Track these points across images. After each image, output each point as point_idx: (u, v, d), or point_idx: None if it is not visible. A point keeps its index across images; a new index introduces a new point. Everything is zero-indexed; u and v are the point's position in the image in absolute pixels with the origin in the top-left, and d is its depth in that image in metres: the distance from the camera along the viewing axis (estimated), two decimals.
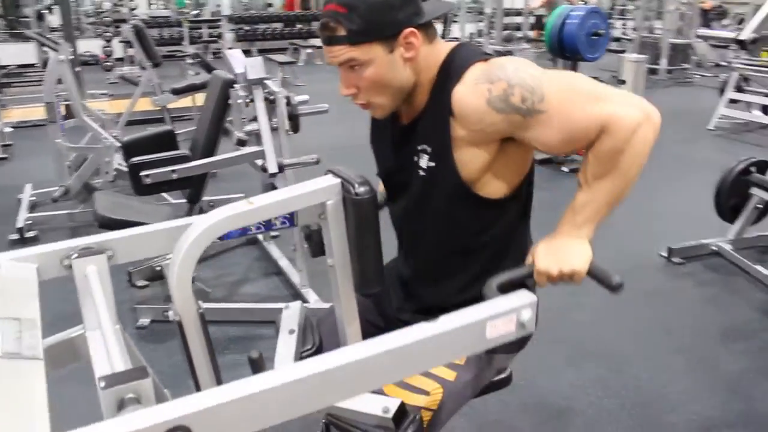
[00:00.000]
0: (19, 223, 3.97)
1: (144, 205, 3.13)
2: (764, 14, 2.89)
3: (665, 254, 3.58)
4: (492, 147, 1.24)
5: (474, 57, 1.24)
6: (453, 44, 1.31)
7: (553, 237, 1.26)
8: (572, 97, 1.17)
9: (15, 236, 3.87)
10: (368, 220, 1.22)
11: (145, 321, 2.94)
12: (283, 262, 3.42)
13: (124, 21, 10.09)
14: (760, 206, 3.51)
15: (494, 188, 1.29)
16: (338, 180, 1.22)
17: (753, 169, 3.54)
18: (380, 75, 1.22)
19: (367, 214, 1.21)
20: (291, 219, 1.33)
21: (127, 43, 10.13)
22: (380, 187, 1.55)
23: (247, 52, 12.70)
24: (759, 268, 3.29)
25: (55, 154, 4.06)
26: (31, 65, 9.95)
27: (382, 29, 1.19)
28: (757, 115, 6.59)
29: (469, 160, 1.25)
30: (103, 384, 0.79)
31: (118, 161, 3.89)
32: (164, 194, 4.05)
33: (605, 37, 4.98)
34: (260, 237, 3.77)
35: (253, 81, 2.77)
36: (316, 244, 3.44)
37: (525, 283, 1.26)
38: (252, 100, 2.83)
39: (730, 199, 3.57)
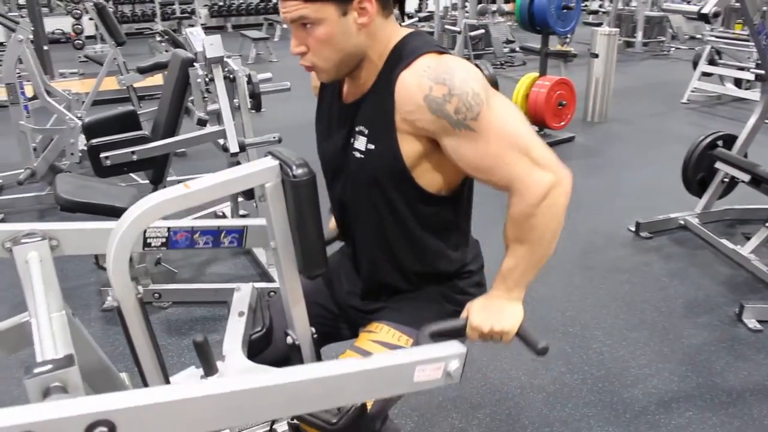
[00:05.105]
0: None
1: (109, 186, 3.07)
2: None
3: (633, 229, 3.60)
4: (423, 140, 1.23)
5: (426, 47, 1.22)
6: (408, 30, 1.29)
7: (489, 296, 1.30)
8: (502, 134, 1.17)
9: None
10: (307, 202, 1.20)
11: (111, 303, 2.91)
12: None
13: None
14: (726, 180, 3.53)
15: (430, 181, 1.28)
16: (277, 162, 1.20)
17: (719, 143, 3.57)
18: (330, 36, 1.19)
19: (305, 197, 1.19)
20: (240, 239, 1.31)
21: None
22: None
23: (221, 28, 12.59)
24: (724, 241, 3.32)
25: (20, 136, 3.98)
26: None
27: None
28: (730, 89, 6.63)
29: (407, 145, 1.23)
30: (25, 372, 0.78)
31: (84, 142, 3.81)
32: (132, 174, 4.00)
33: (576, 10, 4.94)
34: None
35: (213, 60, 2.72)
36: None
37: (460, 334, 1.30)
38: (212, 79, 2.78)
39: (697, 173, 3.60)
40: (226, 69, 2.83)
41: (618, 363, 2.46)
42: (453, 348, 0.96)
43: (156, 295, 2.90)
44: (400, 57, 1.23)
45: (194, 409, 0.77)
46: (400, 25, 1.37)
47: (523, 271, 1.26)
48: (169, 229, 1.22)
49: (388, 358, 0.93)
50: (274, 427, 1.78)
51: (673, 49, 10.04)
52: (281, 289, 1.36)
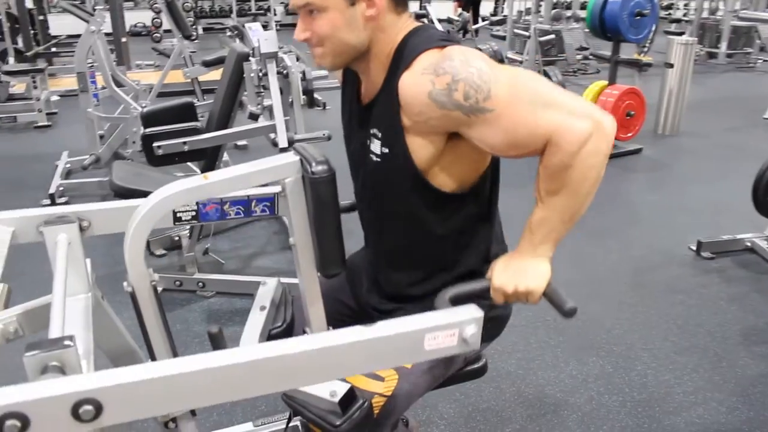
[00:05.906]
0: (52, 189, 4.08)
1: (162, 175, 3.15)
2: None
3: (694, 248, 3.42)
4: (437, 139, 1.19)
5: (428, 43, 1.18)
6: (414, 24, 1.25)
7: (513, 255, 1.23)
8: (520, 100, 1.10)
9: (47, 201, 3.98)
10: (325, 200, 1.18)
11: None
12: None
13: None
14: None
15: (445, 181, 1.24)
16: (298, 158, 1.19)
17: None
18: (335, 25, 1.18)
19: (324, 194, 1.18)
20: (272, 207, 1.31)
21: None
22: None
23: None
24: None
25: (87, 123, 4.14)
26: None
27: None
28: None
29: (418, 148, 1.20)
30: (26, 350, 0.78)
31: None
32: (190, 164, 4.10)
33: (651, 17, 4.75)
34: None
35: (267, 55, 2.74)
36: None
37: (484, 297, 1.22)
38: (266, 74, 2.80)
39: None
40: (281, 65, 2.86)
41: (662, 388, 2.33)
42: (468, 312, 0.91)
43: (200, 284, 2.95)
44: (402, 57, 1.19)
45: (181, 386, 0.77)
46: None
47: (553, 225, 1.17)
48: (198, 202, 1.22)
49: (394, 326, 0.88)
50: (290, 425, 1.78)
51: (761, 61, 9.53)
52: (300, 286, 1.35)
